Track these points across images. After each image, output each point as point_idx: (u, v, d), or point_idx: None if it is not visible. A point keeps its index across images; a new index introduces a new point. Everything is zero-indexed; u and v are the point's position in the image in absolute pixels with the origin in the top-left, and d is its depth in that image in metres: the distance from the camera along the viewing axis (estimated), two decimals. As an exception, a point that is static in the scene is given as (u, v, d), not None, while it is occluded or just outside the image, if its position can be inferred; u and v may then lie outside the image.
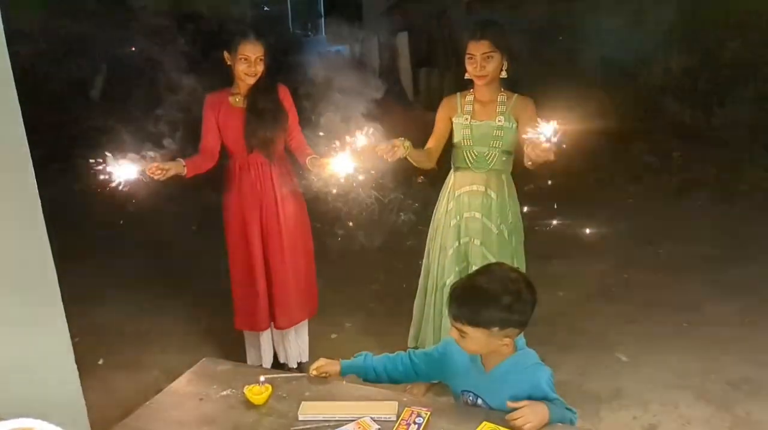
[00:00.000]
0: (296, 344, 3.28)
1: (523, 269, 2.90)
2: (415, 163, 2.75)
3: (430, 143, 2.89)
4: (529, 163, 2.56)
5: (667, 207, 5.66)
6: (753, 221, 5.16)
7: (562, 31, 8.13)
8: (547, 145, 2.31)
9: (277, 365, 3.29)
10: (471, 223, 2.87)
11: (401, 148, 2.54)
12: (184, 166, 2.77)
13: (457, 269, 2.89)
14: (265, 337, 3.21)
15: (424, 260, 3.10)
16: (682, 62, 7.83)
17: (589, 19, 8.09)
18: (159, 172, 2.62)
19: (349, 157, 2.60)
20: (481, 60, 2.68)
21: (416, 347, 2.82)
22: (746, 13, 7.25)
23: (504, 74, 2.75)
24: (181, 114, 2.81)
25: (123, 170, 2.52)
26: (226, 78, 2.93)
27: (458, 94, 2.87)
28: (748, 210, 5.45)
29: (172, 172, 2.70)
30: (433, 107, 2.97)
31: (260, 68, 2.84)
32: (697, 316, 3.76)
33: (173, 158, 2.75)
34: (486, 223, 2.85)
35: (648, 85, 7.94)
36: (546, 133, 2.28)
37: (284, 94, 2.97)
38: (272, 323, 3.15)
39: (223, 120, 2.92)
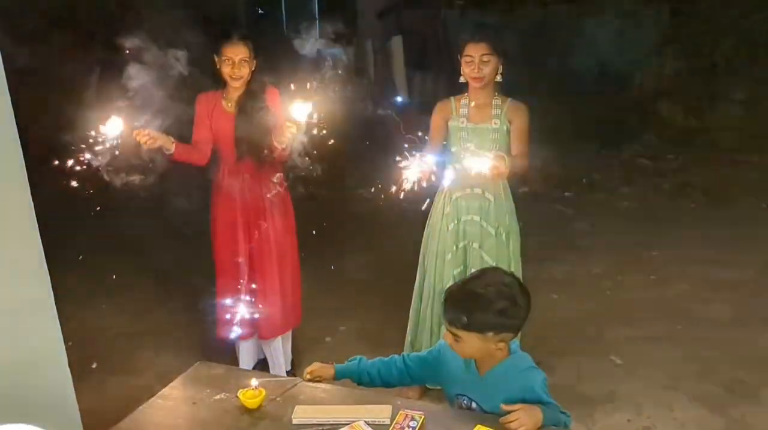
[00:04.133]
0: (282, 352, 3.22)
1: (518, 272, 2.89)
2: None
3: (429, 147, 2.82)
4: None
5: (660, 210, 5.67)
6: (745, 223, 5.18)
7: (555, 35, 8.16)
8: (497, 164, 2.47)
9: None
10: (469, 226, 2.86)
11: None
12: (173, 142, 2.70)
13: (454, 273, 2.87)
14: (248, 346, 3.19)
15: (419, 265, 3.08)
16: (674, 65, 7.86)
17: (582, 23, 8.12)
18: (148, 139, 2.56)
19: None
20: (479, 62, 2.68)
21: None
22: (738, 16, 7.29)
23: (499, 78, 2.75)
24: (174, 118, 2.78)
25: (111, 128, 2.43)
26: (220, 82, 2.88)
27: (452, 98, 2.86)
28: (740, 212, 5.46)
29: (159, 143, 2.62)
30: (428, 110, 2.96)
31: (245, 71, 2.78)
32: (691, 318, 3.77)
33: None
34: (484, 226, 2.85)
35: (641, 89, 7.97)
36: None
37: (273, 96, 2.88)
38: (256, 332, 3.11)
39: (215, 123, 2.88)
